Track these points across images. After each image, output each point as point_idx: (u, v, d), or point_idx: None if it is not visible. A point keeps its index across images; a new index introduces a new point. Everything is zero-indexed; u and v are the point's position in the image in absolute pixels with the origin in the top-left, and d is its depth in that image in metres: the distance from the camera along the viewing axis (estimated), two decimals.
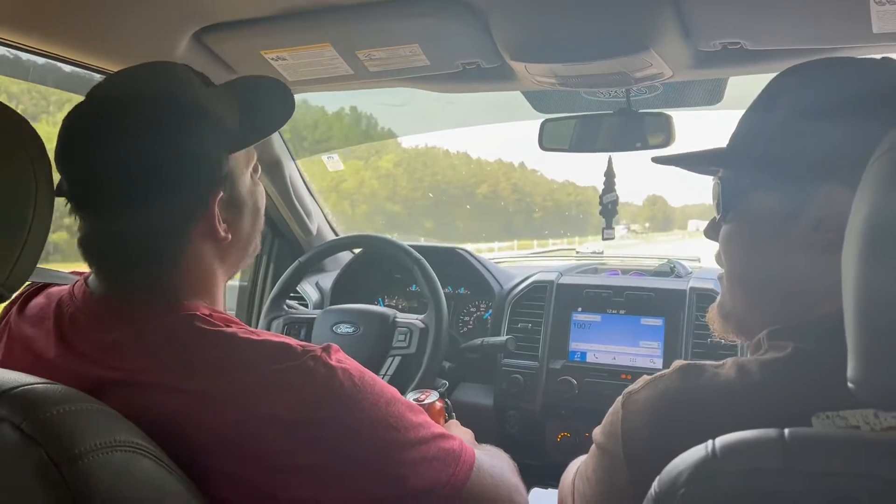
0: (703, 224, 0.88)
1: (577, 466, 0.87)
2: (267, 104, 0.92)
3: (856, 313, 0.47)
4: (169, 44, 1.24)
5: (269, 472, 0.73)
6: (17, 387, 0.65)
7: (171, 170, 0.80)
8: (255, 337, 0.78)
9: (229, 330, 0.79)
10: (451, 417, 1.26)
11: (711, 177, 0.87)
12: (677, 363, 0.74)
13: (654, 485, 0.52)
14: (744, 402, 0.66)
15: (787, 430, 0.49)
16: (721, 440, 0.50)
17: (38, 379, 0.67)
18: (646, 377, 0.76)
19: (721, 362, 0.72)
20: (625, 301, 1.69)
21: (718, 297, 0.87)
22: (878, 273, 0.45)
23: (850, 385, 0.47)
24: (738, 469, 0.48)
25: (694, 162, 0.85)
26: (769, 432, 0.49)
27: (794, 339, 0.70)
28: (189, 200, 0.82)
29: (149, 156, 0.78)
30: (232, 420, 0.73)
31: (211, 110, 0.83)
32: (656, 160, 0.88)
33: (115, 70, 0.99)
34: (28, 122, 0.73)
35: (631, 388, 0.76)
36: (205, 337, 0.78)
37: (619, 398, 0.76)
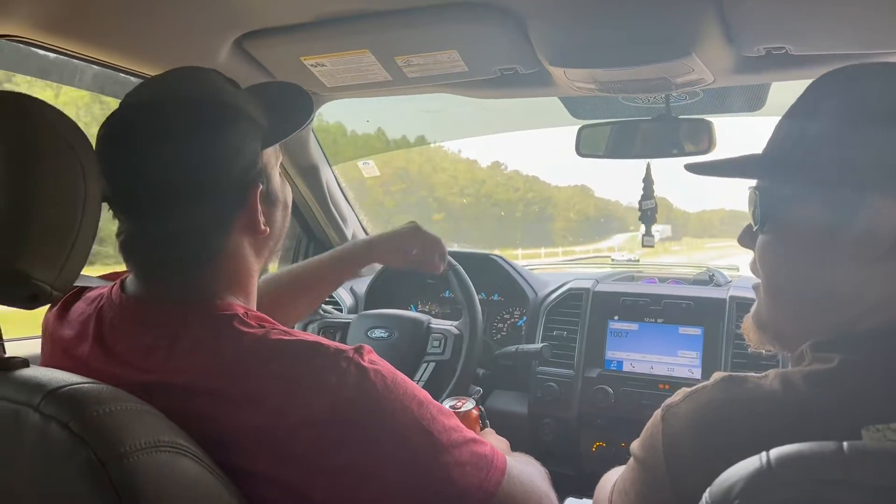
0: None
1: (613, 479, 0.85)
2: (290, 104, 0.96)
3: None
4: (211, 49, 1.26)
5: (302, 472, 0.74)
6: (65, 386, 0.66)
7: (211, 167, 0.81)
8: (287, 337, 0.79)
9: (262, 331, 0.79)
10: (485, 426, 1.25)
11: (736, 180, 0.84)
12: (718, 375, 0.73)
13: (706, 496, 0.51)
14: (790, 414, 0.64)
15: (845, 443, 0.47)
16: (777, 451, 0.49)
17: (84, 379, 0.69)
18: (685, 389, 0.74)
19: (763, 374, 0.70)
20: (662, 309, 1.67)
21: (754, 308, 0.84)
22: None
23: None
24: (796, 481, 0.47)
25: (730, 170, 0.82)
26: (827, 445, 0.48)
27: (841, 350, 0.67)
28: (231, 196, 0.84)
29: (189, 155, 0.80)
30: (265, 421, 0.74)
31: (243, 108, 0.85)
32: (689, 168, 0.85)
33: (152, 74, 1.01)
34: (73, 121, 0.74)
35: (670, 400, 0.74)
36: (240, 338, 0.78)
37: (659, 411, 0.75)
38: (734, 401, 0.68)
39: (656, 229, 1.59)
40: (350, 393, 0.74)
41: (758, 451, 0.51)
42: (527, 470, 0.90)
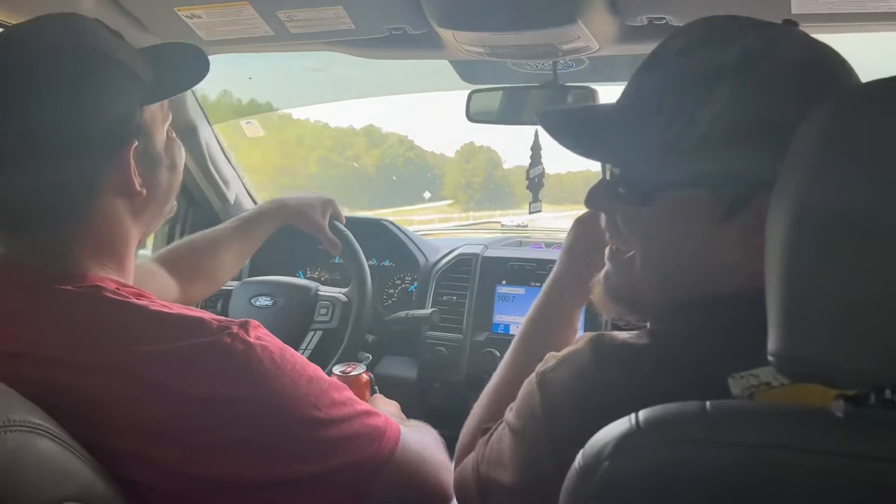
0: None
1: (472, 458, 0.83)
2: (181, 61, 0.90)
3: (777, 288, 0.48)
4: None
5: (180, 451, 0.70)
6: None
7: (78, 118, 0.76)
8: (167, 310, 0.74)
9: (139, 302, 0.75)
10: (375, 391, 1.25)
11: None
12: (586, 335, 0.72)
13: (578, 458, 0.52)
14: (663, 371, 0.66)
15: (708, 403, 0.49)
16: (645, 413, 0.50)
17: None
18: (555, 354, 0.73)
19: (631, 334, 0.70)
20: (547, 274, 1.69)
21: (606, 280, 0.80)
22: (802, 250, 0.46)
23: (770, 358, 0.48)
24: (663, 441, 0.48)
25: (582, 136, 0.75)
26: (691, 405, 0.49)
27: (702, 312, 0.69)
28: (99, 151, 0.78)
29: (54, 104, 0.74)
30: (140, 397, 0.70)
31: (122, 60, 0.80)
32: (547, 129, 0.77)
33: (15, 22, 0.92)
34: None
35: (543, 366, 0.73)
36: (111, 308, 0.73)
37: (532, 377, 0.73)
38: (607, 362, 0.69)
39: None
40: (235, 370, 0.71)
41: (634, 410, 0.52)
42: (421, 438, 0.89)
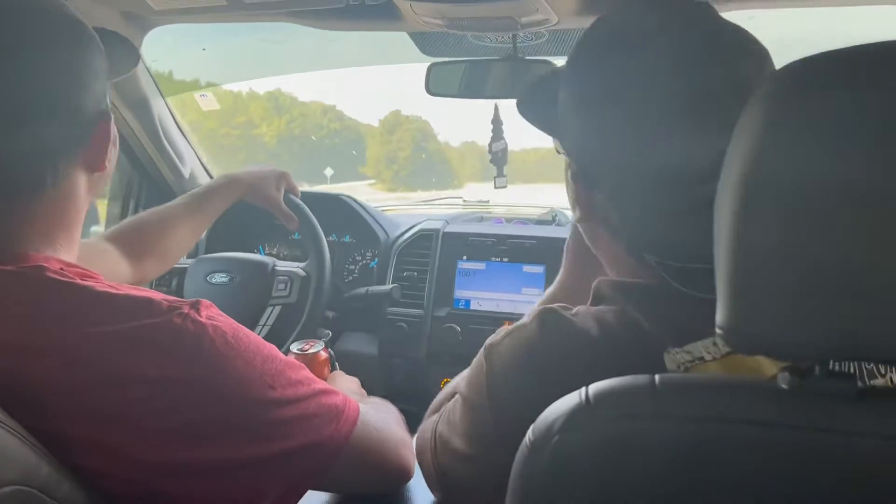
0: None
1: (433, 421, 0.86)
2: (116, 44, 0.90)
3: (725, 263, 0.48)
4: None
5: (130, 435, 0.68)
6: None
7: (72, 88, 0.75)
8: (114, 291, 0.72)
9: (85, 282, 0.72)
10: (334, 368, 1.24)
11: None
12: (535, 309, 0.74)
13: (529, 433, 0.52)
14: (604, 349, 0.67)
15: (657, 376, 0.49)
16: (594, 387, 0.51)
17: None
18: (506, 327, 0.75)
19: (576, 309, 0.72)
20: (508, 249, 1.71)
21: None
22: (750, 224, 0.46)
23: (717, 331, 0.49)
24: (612, 416, 0.48)
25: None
26: (641, 378, 0.50)
27: (631, 293, 0.71)
28: (86, 121, 0.77)
29: (47, 72, 0.74)
30: (86, 380, 0.67)
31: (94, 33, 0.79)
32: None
33: None
34: None
35: (492, 339, 0.75)
36: (54, 289, 0.70)
37: (482, 350, 0.75)
38: (550, 338, 0.70)
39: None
40: (186, 351, 0.69)
41: (575, 388, 0.53)
42: (382, 416, 0.89)
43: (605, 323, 0.69)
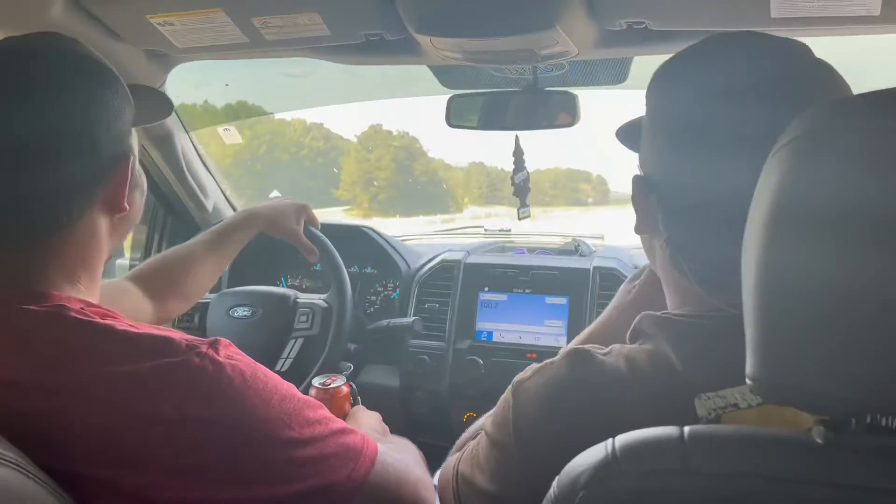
0: None
1: (455, 457, 0.85)
2: (150, 97, 0.95)
3: (754, 307, 0.46)
4: (39, 4, 1.12)
5: (149, 475, 0.68)
6: None
7: (90, 126, 0.76)
8: (133, 330, 0.72)
9: (105, 321, 0.72)
10: (356, 402, 1.23)
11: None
12: (565, 349, 0.73)
13: (554, 486, 0.50)
14: (635, 393, 0.66)
15: (686, 429, 0.48)
16: (621, 439, 0.49)
17: None
18: (535, 365, 0.74)
19: (609, 348, 0.71)
20: (530, 280, 1.69)
21: None
22: (780, 271, 0.44)
23: (748, 381, 0.47)
24: (638, 470, 0.47)
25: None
26: (669, 431, 0.48)
27: (676, 328, 0.69)
28: (105, 161, 0.78)
29: (67, 110, 0.75)
30: (106, 421, 0.68)
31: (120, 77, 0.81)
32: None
33: None
34: None
35: (520, 376, 0.75)
36: (75, 329, 0.71)
37: (510, 387, 0.75)
38: (579, 379, 0.68)
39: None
40: (204, 390, 0.69)
41: (602, 430, 0.51)
42: (401, 457, 0.88)
43: (637, 364, 0.67)
